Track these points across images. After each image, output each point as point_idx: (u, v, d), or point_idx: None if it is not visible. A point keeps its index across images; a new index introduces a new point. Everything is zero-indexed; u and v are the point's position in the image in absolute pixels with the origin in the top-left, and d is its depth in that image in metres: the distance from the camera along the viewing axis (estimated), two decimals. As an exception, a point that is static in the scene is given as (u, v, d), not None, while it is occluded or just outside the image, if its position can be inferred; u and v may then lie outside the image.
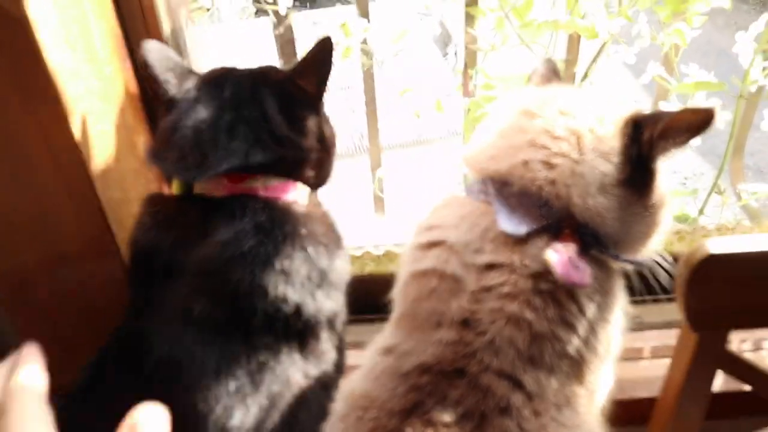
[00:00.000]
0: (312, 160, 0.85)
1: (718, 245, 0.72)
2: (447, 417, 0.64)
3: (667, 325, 1.13)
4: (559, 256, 0.66)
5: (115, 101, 0.86)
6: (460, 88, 1.27)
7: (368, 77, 1.27)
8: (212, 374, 0.72)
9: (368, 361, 0.72)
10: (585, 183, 0.70)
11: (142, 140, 0.93)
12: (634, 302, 0.86)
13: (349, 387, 0.71)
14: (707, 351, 0.81)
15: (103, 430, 0.69)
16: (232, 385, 0.72)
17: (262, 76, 0.85)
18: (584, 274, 0.66)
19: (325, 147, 0.87)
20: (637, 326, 1.14)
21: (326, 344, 0.82)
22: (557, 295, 0.68)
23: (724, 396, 1.01)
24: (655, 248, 0.80)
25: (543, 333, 0.67)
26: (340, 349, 0.85)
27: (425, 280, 0.71)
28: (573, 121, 0.74)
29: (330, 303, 0.81)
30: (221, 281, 0.74)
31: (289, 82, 0.84)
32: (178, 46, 1.01)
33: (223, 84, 0.83)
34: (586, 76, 1.29)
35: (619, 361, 1.11)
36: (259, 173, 0.81)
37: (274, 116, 0.82)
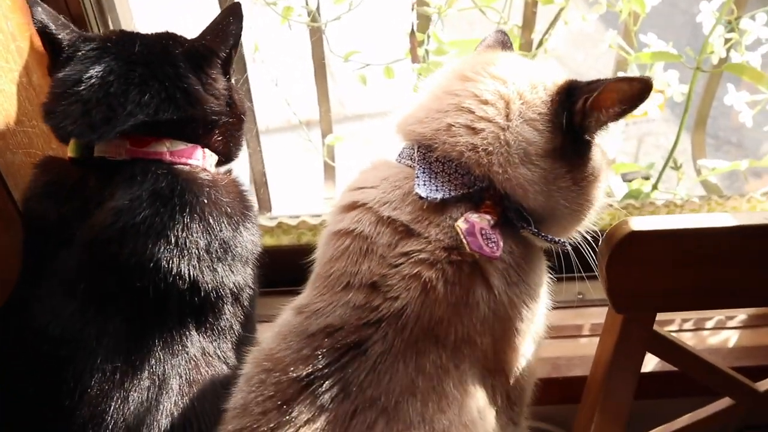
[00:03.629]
0: (221, 125, 0.82)
1: (640, 223, 0.69)
2: (335, 402, 0.61)
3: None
4: (468, 226, 0.63)
5: (16, 59, 0.81)
6: (408, 53, 1.22)
7: (316, 39, 1.22)
8: (90, 353, 0.69)
9: (281, 319, 0.70)
10: (507, 151, 0.67)
11: (41, 107, 0.88)
12: (577, 279, 0.83)
13: (259, 345, 0.69)
14: (633, 332, 0.78)
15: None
16: (110, 367, 0.69)
17: (172, 37, 0.82)
18: (495, 246, 0.63)
19: (235, 113, 0.84)
20: (580, 303, 1.12)
21: (230, 320, 0.78)
22: (468, 267, 0.65)
23: (658, 376, 0.99)
24: (588, 226, 0.77)
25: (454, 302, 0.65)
26: (248, 325, 0.82)
27: (340, 241, 0.69)
28: (503, 86, 0.71)
29: (234, 277, 0.77)
30: (111, 253, 0.70)
31: (200, 45, 0.81)
32: (99, 1, 0.96)
33: (131, 41, 0.79)
34: (541, 43, 1.24)
35: (558, 339, 1.10)
36: (165, 136, 0.77)
37: (186, 74, 0.78)
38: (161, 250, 0.71)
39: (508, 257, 0.67)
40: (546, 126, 0.69)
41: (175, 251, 0.71)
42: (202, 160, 0.80)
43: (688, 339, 1.06)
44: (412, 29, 1.19)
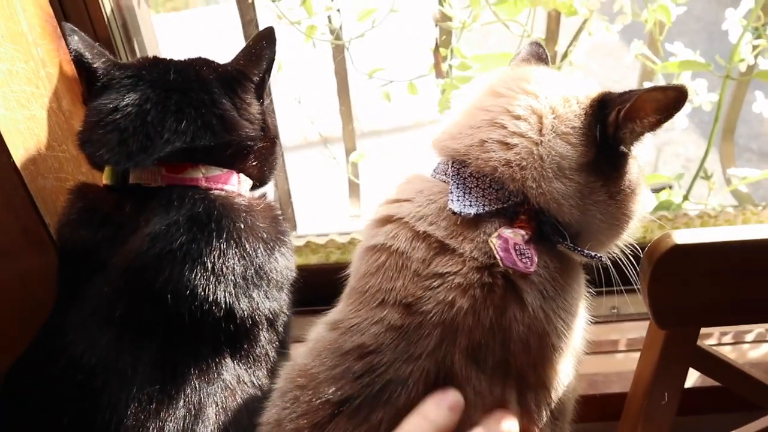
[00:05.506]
0: (256, 150, 0.81)
1: (684, 236, 0.67)
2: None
3: (645, 316, 1.08)
4: (501, 241, 0.62)
5: (46, 84, 0.81)
6: (432, 69, 1.21)
7: (338, 56, 1.22)
8: (126, 382, 0.67)
9: (315, 334, 0.69)
10: (541, 166, 0.66)
11: (77, 134, 0.88)
12: (611, 293, 0.81)
13: (292, 361, 0.68)
14: (676, 348, 0.76)
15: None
16: (146, 397, 0.67)
17: (205, 63, 0.82)
18: (529, 261, 0.62)
19: (269, 137, 0.83)
20: (615, 318, 1.10)
21: (266, 347, 0.77)
22: (500, 288, 0.63)
23: (699, 392, 0.96)
24: (626, 241, 0.75)
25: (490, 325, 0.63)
26: (283, 351, 0.80)
27: (375, 256, 0.68)
28: (535, 101, 0.69)
29: (269, 303, 0.76)
30: (146, 280, 0.69)
31: (233, 69, 0.81)
32: (125, 26, 0.96)
33: (165, 69, 0.79)
34: (566, 55, 1.23)
35: (594, 355, 1.08)
36: (200, 162, 0.76)
37: (221, 100, 0.78)
38: (198, 277, 0.70)
39: (543, 272, 0.66)
40: (579, 139, 0.67)
41: (211, 278, 0.70)
42: (237, 185, 0.79)
43: (727, 353, 1.03)
44: (436, 44, 1.18)
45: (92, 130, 0.76)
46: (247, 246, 0.73)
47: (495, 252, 0.62)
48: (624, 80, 2.40)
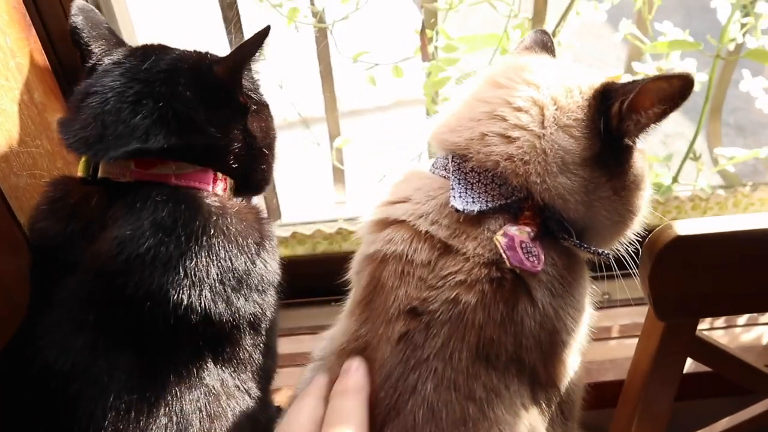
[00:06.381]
0: (235, 150, 0.75)
1: (686, 227, 0.65)
2: None
3: (637, 301, 1.07)
4: (507, 240, 0.60)
5: (16, 76, 0.77)
6: (418, 51, 1.18)
7: (322, 40, 1.18)
8: (103, 389, 0.64)
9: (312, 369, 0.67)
10: (545, 160, 0.63)
11: (57, 119, 0.83)
12: (602, 278, 0.80)
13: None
14: (675, 338, 0.75)
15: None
16: (124, 404, 0.64)
17: (194, 56, 0.76)
18: (536, 260, 0.60)
19: (255, 143, 0.77)
20: (606, 304, 1.09)
21: (249, 350, 0.73)
22: (509, 282, 0.62)
23: (695, 377, 0.96)
24: (629, 238, 0.73)
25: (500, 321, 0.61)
26: (268, 354, 0.76)
27: (375, 266, 0.65)
28: (536, 92, 0.67)
29: (250, 307, 0.72)
30: (117, 285, 0.65)
31: (209, 63, 0.75)
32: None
33: (147, 57, 0.74)
34: (554, 35, 1.20)
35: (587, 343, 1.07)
36: (171, 158, 0.71)
37: (184, 95, 0.71)
38: (169, 281, 0.66)
39: (551, 269, 0.64)
40: (583, 132, 0.65)
41: (184, 282, 0.66)
42: (212, 184, 0.74)
43: (720, 337, 1.03)
44: (423, 26, 1.15)
45: (69, 114, 0.72)
46: (220, 251, 0.69)
47: (501, 251, 0.60)
48: (612, 61, 2.38)
